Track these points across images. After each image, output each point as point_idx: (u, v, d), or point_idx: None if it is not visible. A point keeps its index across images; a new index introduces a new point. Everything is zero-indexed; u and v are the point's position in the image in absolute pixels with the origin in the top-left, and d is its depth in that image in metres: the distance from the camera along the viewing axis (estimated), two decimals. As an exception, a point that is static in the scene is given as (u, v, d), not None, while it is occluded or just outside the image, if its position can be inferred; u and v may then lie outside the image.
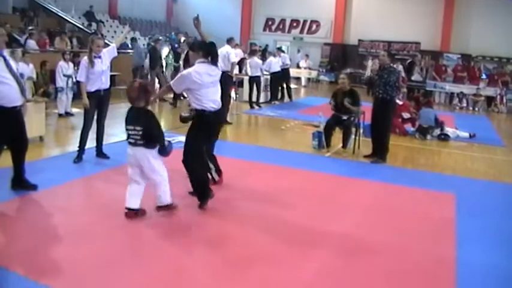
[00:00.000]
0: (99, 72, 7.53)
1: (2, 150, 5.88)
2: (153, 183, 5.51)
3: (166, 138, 5.46)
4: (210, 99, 5.77)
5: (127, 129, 5.36)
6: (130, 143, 5.37)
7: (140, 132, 5.25)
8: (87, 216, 5.48)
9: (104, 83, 7.67)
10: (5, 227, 5.09)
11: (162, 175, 5.48)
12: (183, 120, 6.01)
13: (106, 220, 5.40)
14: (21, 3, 21.37)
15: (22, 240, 4.75)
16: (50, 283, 3.97)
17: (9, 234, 4.91)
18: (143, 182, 5.49)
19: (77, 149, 7.69)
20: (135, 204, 5.44)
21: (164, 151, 5.43)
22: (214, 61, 5.89)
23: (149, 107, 5.53)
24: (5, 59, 5.74)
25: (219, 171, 6.78)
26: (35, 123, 8.46)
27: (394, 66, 9.25)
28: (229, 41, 12.29)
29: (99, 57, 7.56)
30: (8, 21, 15.98)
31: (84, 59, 7.53)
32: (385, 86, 8.46)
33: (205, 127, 5.86)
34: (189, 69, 5.75)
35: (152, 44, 16.28)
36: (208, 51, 5.86)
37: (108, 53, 7.75)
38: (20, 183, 6.12)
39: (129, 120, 5.37)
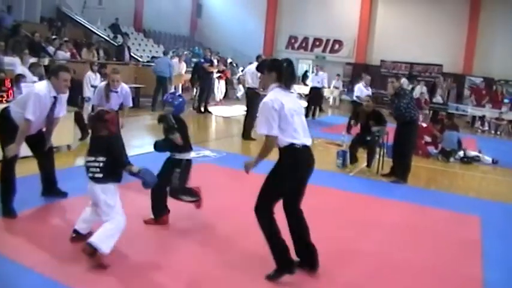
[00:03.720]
0: (110, 106, 7.52)
1: (17, 156, 5.67)
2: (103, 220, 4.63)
3: (138, 166, 4.65)
4: (299, 131, 4.47)
5: (87, 161, 4.66)
6: (89, 177, 4.62)
7: (101, 164, 4.55)
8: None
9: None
10: (36, 233, 5.18)
11: (116, 218, 4.61)
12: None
13: (133, 229, 5.46)
14: (49, 13, 21.74)
15: (52, 246, 4.82)
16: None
17: (40, 240, 4.99)
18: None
19: None
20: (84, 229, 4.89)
21: (144, 181, 4.67)
22: (288, 84, 4.55)
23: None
24: (54, 102, 5.69)
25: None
26: (63, 132, 8.57)
27: (405, 88, 9.39)
28: (258, 58, 12.53)
29: (116, 92, 7.67)
30: (36, 31, 16.25)
31: (102, 85, 7.67)
32: (398, 110, 8.60)
33: (293, 169, 4.50)
34: (266, 99, 4.41)
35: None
36: (283, 72, 4.51)
37: (124, 96, 7.82)
38: (51, 190, 6.22)
39: (90, 151, 4.70)
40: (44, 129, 5.91)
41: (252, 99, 11.88)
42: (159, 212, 5.63)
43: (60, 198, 6.19)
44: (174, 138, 5.46)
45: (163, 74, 16.29)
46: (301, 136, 4.46)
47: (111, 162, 4.59)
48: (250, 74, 12.02)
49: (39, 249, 4.76)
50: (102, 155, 4.57)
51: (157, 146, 5.59)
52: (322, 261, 4.97)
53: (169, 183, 5.53)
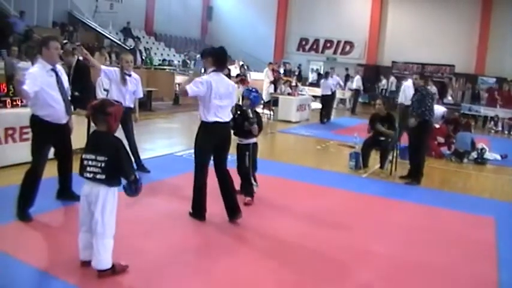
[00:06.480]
0: (127, 89, 7.67)
1: (45, 161, 5.81)
2: (93, 235, 4.25)
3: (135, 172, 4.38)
4: (219, 111, 5.66)
5: (85, 159, 4.23)
6: (87, 177, 4.23)
7: (102, 164, 4.14)
8: (129, 228, 5.53)
9: (128, 101, 7.77)
10: (51, 236, 5.23)
11: (108, 230, 4.24)
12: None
13: (148, 232, 5.48)
14: (60, 18, 21.86)
15: (68, 249, 4.84)
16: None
17: (56, 243, 5.03)
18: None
19: None
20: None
21: (132, 188, 4.30)
22: (221, 68, 5.81)
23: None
24: (57, 75, 5.68)
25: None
26: (77, 135, 8.54)
27: (428, 87, 9.24)
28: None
29: (130, 75, 7.70)
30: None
31: (116, 70, 7.65)
32: (419, 109, 8.50)
33: (207, 136, 5.74)
34: (203, 77, 5.70)
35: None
36: (217, 57, 5.75)
37: (135, 83, 7.86)
38: (65, 193, 6.25)
39: (88, 147, 4.31)
40: (67, 122, 5.98)
41: (405, 115, 10.65)
42: (250, 193, 6.69)
43: (74, 201, 6.20)
44: (253, 129, 6.57)
45: None
46: (216, 115, 5.62)
47: (114, 164, 4.18)
48: (405, 89, 11.88)
49: (54, 253, 4.79)
50: (102, 154, 4.16)
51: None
52: (335, 262, 5.01)
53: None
